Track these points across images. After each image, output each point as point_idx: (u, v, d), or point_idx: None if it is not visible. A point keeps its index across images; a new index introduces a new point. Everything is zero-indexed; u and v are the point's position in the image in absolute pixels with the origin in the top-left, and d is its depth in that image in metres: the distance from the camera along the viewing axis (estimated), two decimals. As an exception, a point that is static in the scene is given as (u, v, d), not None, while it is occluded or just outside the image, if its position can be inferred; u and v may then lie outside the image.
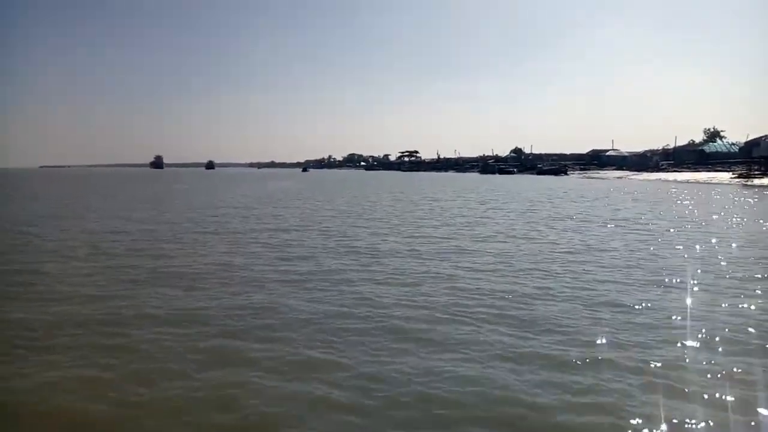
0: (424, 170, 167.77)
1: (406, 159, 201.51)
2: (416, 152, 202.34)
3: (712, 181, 62.92)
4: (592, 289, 9.22)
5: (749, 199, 34.22)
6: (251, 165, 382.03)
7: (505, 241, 15.25)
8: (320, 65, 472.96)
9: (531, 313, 7.78)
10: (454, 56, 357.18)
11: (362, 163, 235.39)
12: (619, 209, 26.76)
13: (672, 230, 17.99)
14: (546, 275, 10.49)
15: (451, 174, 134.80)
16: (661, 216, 23.05)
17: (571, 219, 21.79)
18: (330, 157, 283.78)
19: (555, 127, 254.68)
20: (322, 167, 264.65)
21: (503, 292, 9.04)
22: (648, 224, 19.72)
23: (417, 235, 16.62)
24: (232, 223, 20.06)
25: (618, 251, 13.39)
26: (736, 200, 33.66)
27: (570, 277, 10.23)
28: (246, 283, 9.79)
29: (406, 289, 9.37)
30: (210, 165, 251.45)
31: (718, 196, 38.25)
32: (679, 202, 32.52)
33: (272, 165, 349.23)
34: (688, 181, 65.03)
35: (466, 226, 19.05)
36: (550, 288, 9.32)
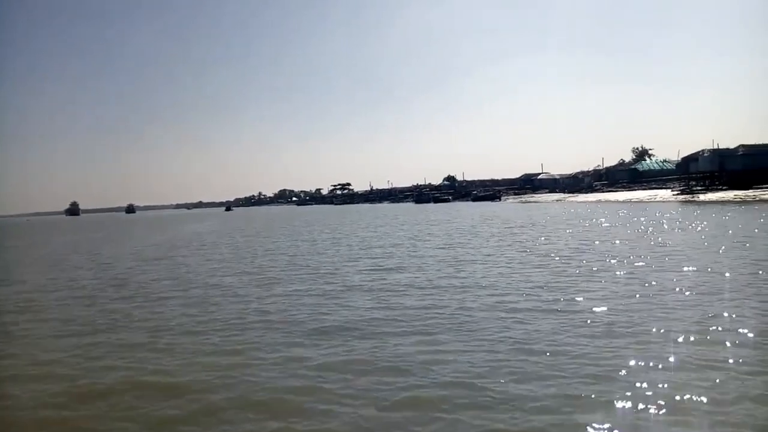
0: (357, 202, 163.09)
1: (339, 192, 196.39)
2: (348, 184, 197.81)
3: (656, 200, 60.73)
4: None
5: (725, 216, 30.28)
6: (178, 206, 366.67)
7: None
8: (248, 100, 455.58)
9: None
10: (384, 85, 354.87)
11: (294, 199, 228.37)
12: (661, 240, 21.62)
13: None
14: None
15: (386, 205, 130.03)
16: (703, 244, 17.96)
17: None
18: (260, 194, 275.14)
19: (485, 156, 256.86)
20: (252, 204, 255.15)
21: None
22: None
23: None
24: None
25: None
26: (727, 217, 29.57)
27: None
28: None
29: None
30: (130, 209, 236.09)
31: (700, 214, 34.35)
32: (666, 225, 27.96)
33: (200, 205, 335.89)
34: (630, 201, 62.54)
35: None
36: None
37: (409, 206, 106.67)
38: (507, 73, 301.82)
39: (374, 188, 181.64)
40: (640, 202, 59.95)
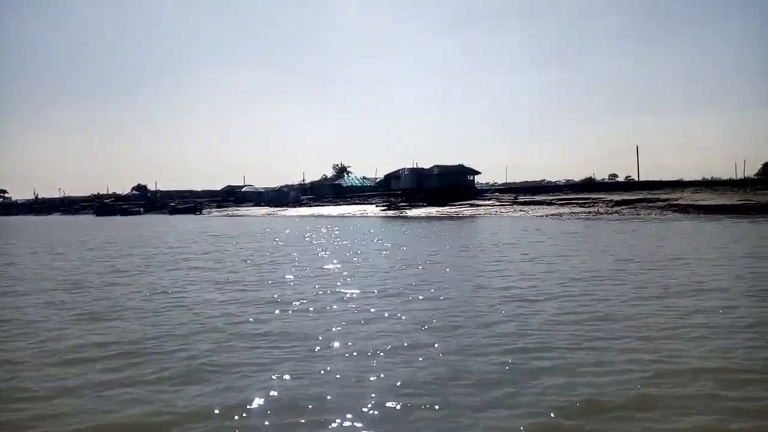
0: (18, 213, 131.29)
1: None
2: (4, 191, 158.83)
3: (366, 214, 61.44)
4: None
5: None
6: None
7: None
8: None
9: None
10: (59, 80, 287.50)
11: None
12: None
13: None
14: None
15: (57, 217, 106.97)
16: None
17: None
18: None
19: (183, 165, 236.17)
20: None
21: None
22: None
23: None
24: None
25: None
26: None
27: None
28: None
29: None
30: None
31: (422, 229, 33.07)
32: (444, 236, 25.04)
33: None
34: (343, 216, 62.00)
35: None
36: None
37: (89, 219, 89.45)
38: (207, 81, 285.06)
39: (40, 197, 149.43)
40: (354, 216, 59.78)
